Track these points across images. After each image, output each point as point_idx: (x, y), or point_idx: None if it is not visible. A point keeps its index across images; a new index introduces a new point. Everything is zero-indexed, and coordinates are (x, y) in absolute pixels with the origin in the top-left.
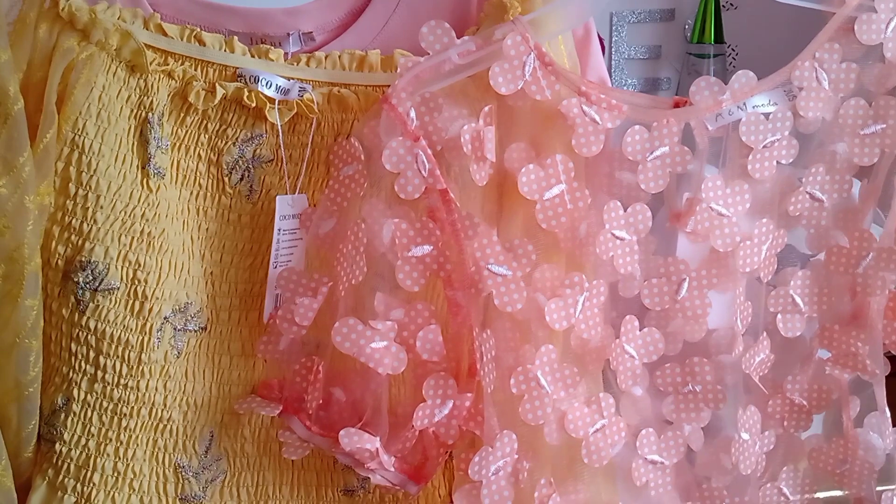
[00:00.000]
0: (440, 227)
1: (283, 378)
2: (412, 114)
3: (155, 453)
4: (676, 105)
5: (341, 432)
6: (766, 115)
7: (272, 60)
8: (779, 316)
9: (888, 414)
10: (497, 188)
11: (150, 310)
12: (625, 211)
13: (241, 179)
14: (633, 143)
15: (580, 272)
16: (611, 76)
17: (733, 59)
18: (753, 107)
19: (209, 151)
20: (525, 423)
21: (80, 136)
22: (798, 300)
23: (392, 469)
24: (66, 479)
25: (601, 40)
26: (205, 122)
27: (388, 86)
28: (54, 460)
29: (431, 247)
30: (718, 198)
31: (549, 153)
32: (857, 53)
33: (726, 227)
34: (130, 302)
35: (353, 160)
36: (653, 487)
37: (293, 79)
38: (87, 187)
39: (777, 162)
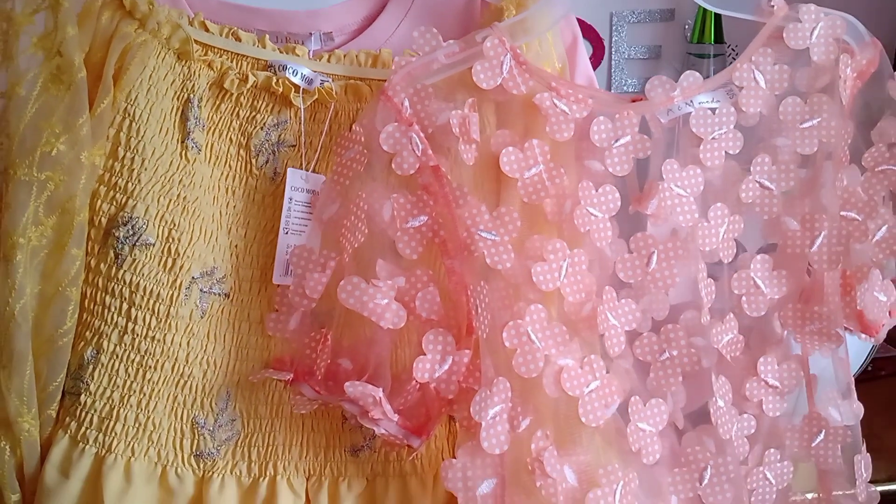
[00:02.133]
0: (434, 198)
1: (294, 353)
2: (406, 103)
3: (174, 408)
4: (634, 101)
5: (346, 383)
6: (713, 111)
7: (298, 56)
8: (743, 298)
9: (851, 386)
10: (494, 169)
11: (181, 267)
12: (596, 191)
13: (267, 162)
14: (600, 132)
15: (562, 241)
16: (611, 76)
17: (733, 59)
18: (699, 103)
19: (239, 136)
20: (520, 377)
21: (132, 105)
22: (759, 282)
23: (395, 420)
24: (89, 431)
25: (601, 41)
26: (237, 108)
27: None
28: (77, 413)
29: (427, 217)
30: (676, 179)
31: (530, 138)
32: (788, 57)
33: (686, 204)
34: (164, 258)
35: (354, 144)
36: (644, 455)
37: (316, 71)
38: (135, 151)
39: (726, 152)
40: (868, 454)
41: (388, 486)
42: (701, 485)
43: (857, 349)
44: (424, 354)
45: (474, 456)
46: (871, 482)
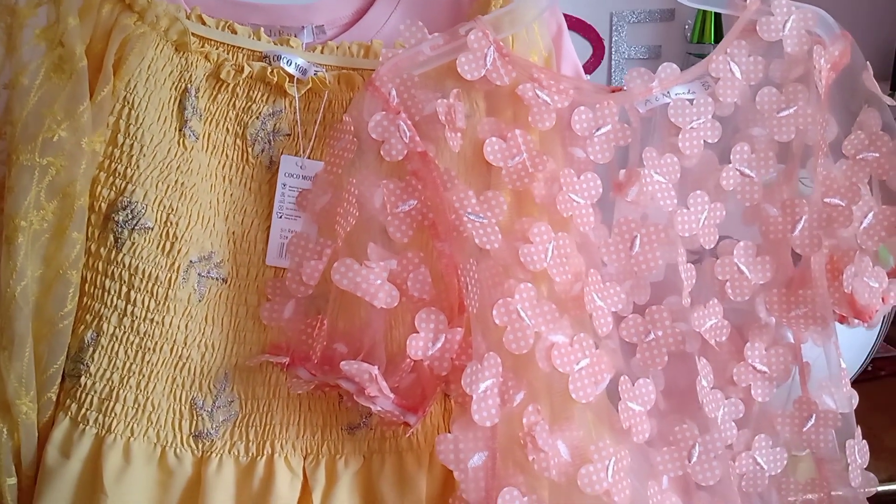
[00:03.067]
0: (422, 183)
1: (290, 340)
2: (393, 93)
3: (173, 390)
4: (613, 91)
5: (342, 362)
6: (690, 101)
7: (292, 48)
8: (727, 283)
9: (844, 372)
10: (481, 155)
11: (179, 251)
12: (577, 178)
13: (263, 151)
14: (581, 122)
15: (547, 224)
16: (611, 76)
17: None
18: (676, 94)
19: (236, 125)
20: (511, 353)
21: (131, 94)
22: (743, 268)
23: (391, 397)
24: (89, 412)
25: (601, 41)
26: (233, 99)
27: None
28: (77, 394)
29: (416, 201)
30: (656, 167)
31: (514, 127)
32: (762, 49)
33: (665, 190)
34: (162, 242)
35: (344, 134)
36: (634, 434)
37: (310, 62)
38: (134, 138)
39: (704, 141)
40: (864, 441)
41: (384, 462)
42: (690, 462)
43: (857, 349)
44: (417, 333)
45: (466, 430)
46: None
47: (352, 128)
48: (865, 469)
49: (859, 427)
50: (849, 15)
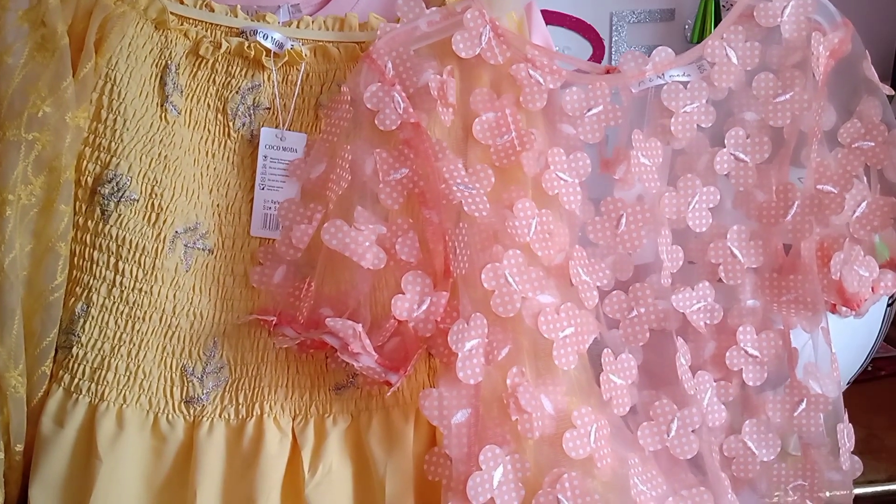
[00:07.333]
0: (414, 152)
1: (277, 304)
2: (389, 66)
3: (164, 358)
4: (607, 72)
5: (327, 318)
6: (684, 84)
7: (269, 24)
8: (720, 267)
9: (834, 357)
10: (470, 129)
11: (165, 221)
12: (567, 157)
13: (244, 125)
14: (572, 102)
15: (531, 200)
16: None
17: None
18: (670, 77)
19: (216, 101)
20: (498, 316)
21: (112, 70)
22: (736, 252)
23: (374, 356)
24: (81, 382)
25: (601, 41)
26: (213, 75)
27: (366, 42)
28: (70, 365)
29: (408, 169)
30: (642, 149)
31: (504, 105)
32: (759, 35)
33: (650, 172)
34: (147, 213)
35: (341, 104)
36: (616, 406)
37: (286, 37)
38: (117, 112)
39: (697, 125)
40: (850, 425)
41: (371, 419)
42: (668, 437)
43: (857, 349)
44: (403, 294)
45: (451, 387)
46: (870, 482)
47: (349, 98)
48: (860, 465)
49: (846, 411)
50: (848, 14)
